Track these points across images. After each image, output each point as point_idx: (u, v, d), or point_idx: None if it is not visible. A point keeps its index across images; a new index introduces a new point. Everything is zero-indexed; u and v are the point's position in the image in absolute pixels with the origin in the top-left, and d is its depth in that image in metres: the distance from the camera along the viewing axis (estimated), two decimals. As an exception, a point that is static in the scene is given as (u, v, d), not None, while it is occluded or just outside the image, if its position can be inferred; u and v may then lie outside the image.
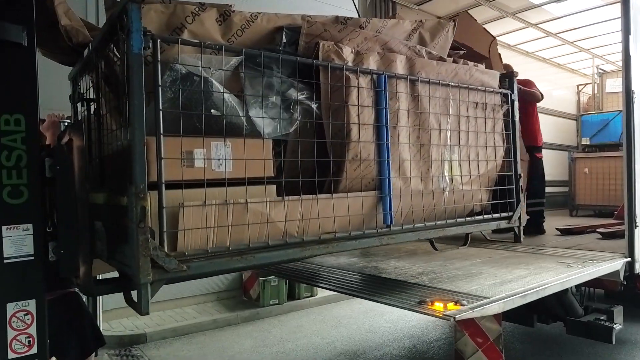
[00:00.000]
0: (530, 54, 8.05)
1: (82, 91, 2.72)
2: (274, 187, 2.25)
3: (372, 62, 2.63)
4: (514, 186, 3.43)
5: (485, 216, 3.21)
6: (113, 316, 5.70)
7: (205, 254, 2.02)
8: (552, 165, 6.91)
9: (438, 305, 2.26)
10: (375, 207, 2.61)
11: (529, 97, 4.78)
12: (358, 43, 2.64)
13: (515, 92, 3.49)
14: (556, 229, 4.86)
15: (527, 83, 4.90)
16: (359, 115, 2.51)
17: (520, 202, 3.43)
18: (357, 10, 5.03)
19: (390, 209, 2.62)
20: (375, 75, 2.60)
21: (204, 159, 2.03)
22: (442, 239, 3.57)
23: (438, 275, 2.93)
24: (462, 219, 3.05)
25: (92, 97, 2.64)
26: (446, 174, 2.98)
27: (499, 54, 4.83)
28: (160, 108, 1.90)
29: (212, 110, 2.09)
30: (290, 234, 2.28)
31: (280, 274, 3.81)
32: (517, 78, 4.83)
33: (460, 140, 3.09)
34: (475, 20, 4.65)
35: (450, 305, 2.25)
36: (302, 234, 2.31)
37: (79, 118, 2.75)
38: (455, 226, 2.99)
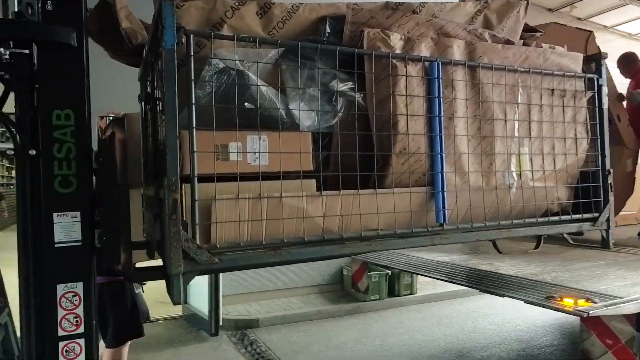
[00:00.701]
0: (656, 43, 7.14)
1: (148, 90, 2.89)
2: (313, 181, 2.19)
3: (424, 49, 2.45)
4: (601, 183, 2.99)
5: (563, 217, 2.83)
6: (228, 302, 6.20)
7: (238, 247, 2.03)
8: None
9: (568, 302, 2.16)
10: (426, 204, 2.43)
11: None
12: (409, 29, 2.47)
13: (604, 76, 3.04)
14: None
15: None
16: (407, 105, 2.35)
17: (609, 203, 2.98)
18: None
19: (444, 206, 2.42)
20: (427, 63, 2.42)
21: (237, 152, 2.03)
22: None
23: (559, 274, 2.81)
24: (533, 219, 2.73)
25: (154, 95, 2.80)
26: (513, 169, 2.68)
27: (598, 47, 4.34)
28: (193, 102, 1.93)
29: (246, 104, 2.08)
30: (329, 230, 2.21)
31: (391, 265, 3.83)
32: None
33: (531, 131, 2.76)
34: (565, 25, 4.26)
35: (581, 302, 2.12)
36: (342, 231, 2.22)
37: (144, 116, 2.93)
38: (523, 227, 2.68)
